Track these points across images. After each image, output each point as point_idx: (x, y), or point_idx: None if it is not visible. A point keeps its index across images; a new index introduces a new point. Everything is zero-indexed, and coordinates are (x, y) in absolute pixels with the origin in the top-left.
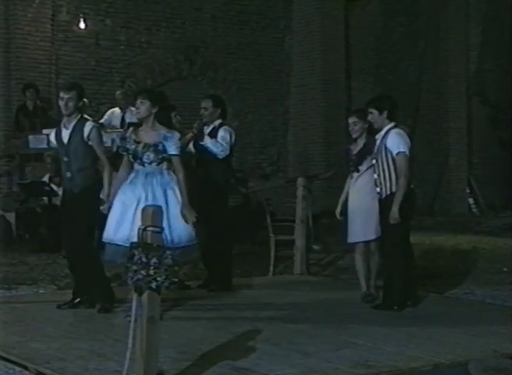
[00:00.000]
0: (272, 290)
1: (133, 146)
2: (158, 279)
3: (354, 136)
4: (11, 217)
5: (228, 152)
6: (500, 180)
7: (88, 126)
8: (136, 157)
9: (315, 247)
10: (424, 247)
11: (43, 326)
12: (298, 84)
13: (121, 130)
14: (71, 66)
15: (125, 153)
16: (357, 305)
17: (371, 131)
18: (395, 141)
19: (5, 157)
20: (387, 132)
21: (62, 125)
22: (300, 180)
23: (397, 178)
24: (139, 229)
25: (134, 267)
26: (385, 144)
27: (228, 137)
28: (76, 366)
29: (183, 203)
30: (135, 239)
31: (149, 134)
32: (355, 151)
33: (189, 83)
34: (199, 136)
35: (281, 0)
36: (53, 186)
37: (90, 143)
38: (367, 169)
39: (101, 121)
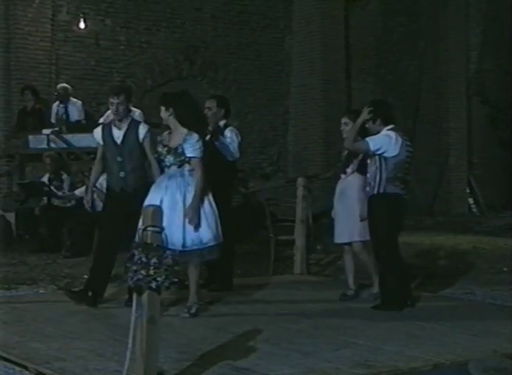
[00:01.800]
0: (272, 290)
1: (160, 149)
2: (158, 279)
3: (344, 136)
4: (11, 217)
5: (239, 154)
6: (500, 180)
7: (143, 129)
8: (161, 160)
9: (318, 247)
10: (424, 247)
11: (43, 326)
12: (298, 84)
13: None
14: (71, 66)
15: (157, 156)
16: (357, 305)
17: (366, 132)
18: (388, 142)
19: (5, 157)
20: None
21: (112, 125)
22: (300, 180)
23: (387, 181)
24: (139, 229)
25: (134, 267)
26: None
27: (236, 138)
28: (76, 366)
29: (191, 204)
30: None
31: (174, 137)
32: (344, 153)
33: (189, 83)
34: (214, 136)
35: (281, 0)
36: (52, 187)
37: (143, 144)
38: (353, 172)
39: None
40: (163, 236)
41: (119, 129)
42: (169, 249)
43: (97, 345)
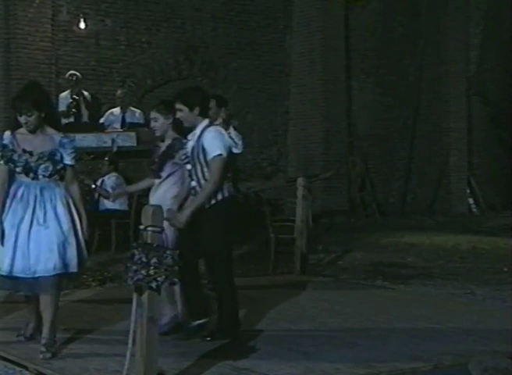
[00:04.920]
0: (272, 290)
1: (18, 155)
2: (158, 279)
3: (157, 134)
4: None
5: (242, 148)
6: (500, 180)
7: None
8: (28, 169)
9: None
10: (424, 247)
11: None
12: (298, 84)
13: (121, 130)
14: (71, 66)
15: (11, 165)
16: (357, 305)
17: (181, 130)
18: (213, 142)
19: None
20: (203, 131)
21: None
22: (300, 180)
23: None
24: (139, 229)
25: (134, 267)
26: (202, 146)
27: (241, 138)
28: (76, 366)
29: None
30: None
31: (37, 140)
32: (159, 153)
33: (189, 83)
34: (224, 124)
35: (281, 0)
36: None
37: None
38: (168, 177)
39: (101, 121)
40: None
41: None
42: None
43: (97, 345)
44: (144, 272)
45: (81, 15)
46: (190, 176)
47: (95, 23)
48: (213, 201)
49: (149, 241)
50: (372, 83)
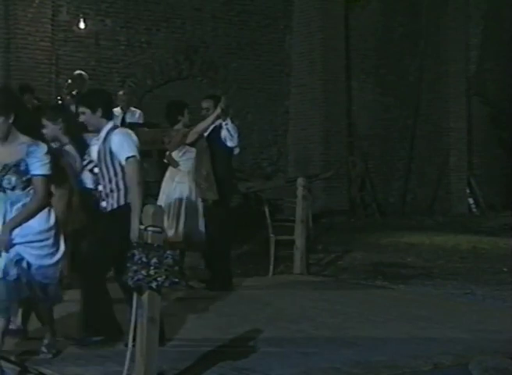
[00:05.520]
0: (272, 290)
1: None
2: (159, 279)
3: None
4: None
5: (238, 145)
6: (500, 180)
7: None
8: None
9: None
10: (424, 247)
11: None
12: (298, 84)
13: None
14: (71, 66)
15: None
16: (357, 305)
17: (75, 133)
18: (123, 145)
19: None
20: (108, 134)
21: None
22: (300, 180)
23: (126, 187)
24: (139, 229)
25: (134, 267)
26: (110, 149)
27: (237, 131)
28: (76, 366)
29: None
30: None
31: (6, 150)
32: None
33: (189, 83)
34: (222, 115)
35: (281, 0)
36: None
37: None
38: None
39: None
40: None
41: None
42: None
43: (97, 345)
44: (144, 272)
45: (81, 15)
46: (98, 180)
47: (95, 23)
48: (115, 205)
49: (149, 241)
50: (372, 83)
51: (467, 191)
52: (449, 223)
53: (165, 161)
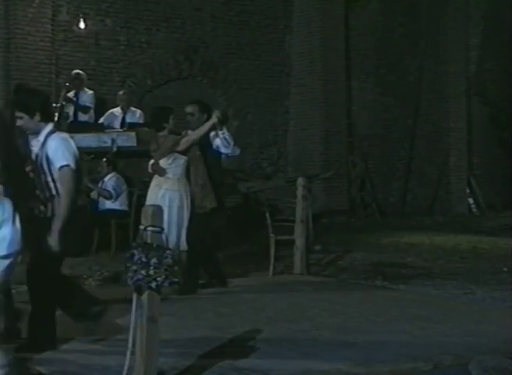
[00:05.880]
0: (272, 290)
1: None
2: (158, 279)
3: None
4: None
5: (235, 150)
6: (500, 180)
7: None
8: None
9: (317, 247)
10: (424, 247)
11: None
12: (298, 84)
13: (121, 130)
14: (71, 66)
15: None
16: (357, 305)
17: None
18: (57, 152)
19: None
20: (46, 138)
21: None
22: (300, 180)
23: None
24: (139, 229)
25: (134, 267)
26: (46, 154)
27: (233, 138)
28: (76, 366)
29: None
30: None
31: None
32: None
33: (189, 83)
34: (218, 124)
35: (281, 0)
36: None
37: None
38: None
39: (101, 121)
40: None
41: None
42: None
43: (97, 345)
44: (143, 272)
45: (81, 15)
46: (36, 185)
47: (95, 23)
48: (50, 213)
49: (149, 241)
50: (372, 83)
51: (467, 191)
52: (449, 223)
53: (150, 171)
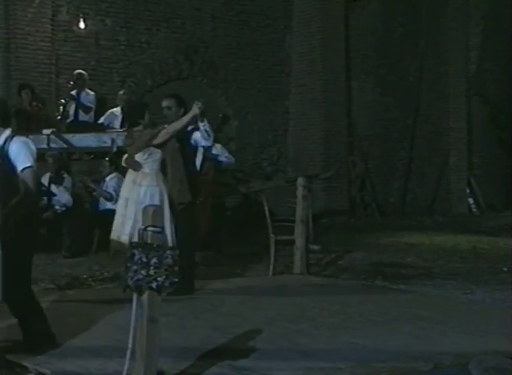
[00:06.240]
0: (272, 290)
1: None
2: (159, 279)
3: None
4: None
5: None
6: (500, 180)
7: None
8: None
9: (315, 247)
10: (424, 247)
11: None
12: (298, 84)
13: (121, 130)
14: (71, 66)
15: None
16: (357, 305)
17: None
18: (20, 154)
19: None
20: (5, 142)
21: None
22: (300, 180)
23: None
24: (139, 229)
25: (134, 267)
26: (8, 157)
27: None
28: (76, 366)
29: None
30: None
31: None
32: None
33: (189, 83)
34: (199, 116)
35: (281, 0)
36: (53, 186)
37: None
38: None
39: (101, 121)
40: None
41: None
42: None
43: (97, 345)
44: (144, 272)
45: (81, 15)
46: None
47: (95, 23)
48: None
49: (149, 241)
50: (372, 83)
51: (467, 191)
52: (449, 223)
53: (124, 165)
